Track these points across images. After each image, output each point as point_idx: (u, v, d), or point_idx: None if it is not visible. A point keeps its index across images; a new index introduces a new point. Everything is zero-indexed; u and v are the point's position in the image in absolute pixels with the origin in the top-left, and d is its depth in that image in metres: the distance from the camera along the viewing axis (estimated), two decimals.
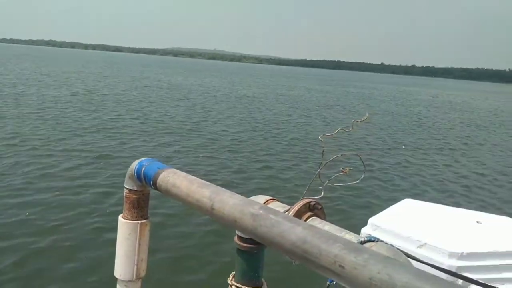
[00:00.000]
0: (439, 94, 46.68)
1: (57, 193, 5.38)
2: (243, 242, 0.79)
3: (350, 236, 0.69)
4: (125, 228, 0.95)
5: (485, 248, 1.30)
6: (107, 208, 5.02)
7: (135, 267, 0.95)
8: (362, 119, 1.02)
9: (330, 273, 0.52)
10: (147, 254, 0.98)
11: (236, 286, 0.80)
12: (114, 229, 0.98)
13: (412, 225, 1.44)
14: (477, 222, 1.53)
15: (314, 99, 25.33)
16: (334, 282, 0.56)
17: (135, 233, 0.94)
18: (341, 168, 0.90)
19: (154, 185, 0.87)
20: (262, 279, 0.82)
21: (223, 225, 0.75)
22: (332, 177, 0.87)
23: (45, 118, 10.52)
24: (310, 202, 0.77)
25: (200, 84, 30.68)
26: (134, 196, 0.95)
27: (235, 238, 0.80)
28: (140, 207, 0.95)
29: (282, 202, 0.85)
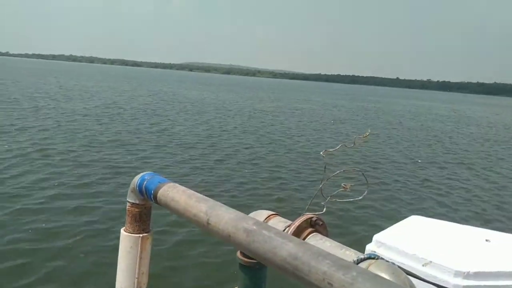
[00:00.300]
0: (456, 109, 45.97)
1: (69, 201, 5.49)
2: (245, 257, 0.79)
3: (350, 252, 0.68)
4: (127, 242, 0.96)
5: (493, 267, 1.26)
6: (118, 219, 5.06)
7: (136, 280, 0.96)
8: (365, 135, 1.02)
9: None
10: (149, 267, 0.99)
11: None
12: (117, 241, 0.99)
13: (418, 242, 1.41)
14: (486, 240, 1.49)
15: (328, 113, 25.29)
16: None
17: (137, 247, 0.95)
18: (342, 184, 0.90)
19: (155, 199, 0.88)
20: None
21: (219, 239, 0.75)
22: (334, 193, 0.87)
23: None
24: (312, 218, 0.77)
25: (214, 98, 31.09)
26: (136, 210, 0.96)
27: (238, 253, 0.80)
28: (142, 221, 0.96)
29: (284, 217, 0.85)
